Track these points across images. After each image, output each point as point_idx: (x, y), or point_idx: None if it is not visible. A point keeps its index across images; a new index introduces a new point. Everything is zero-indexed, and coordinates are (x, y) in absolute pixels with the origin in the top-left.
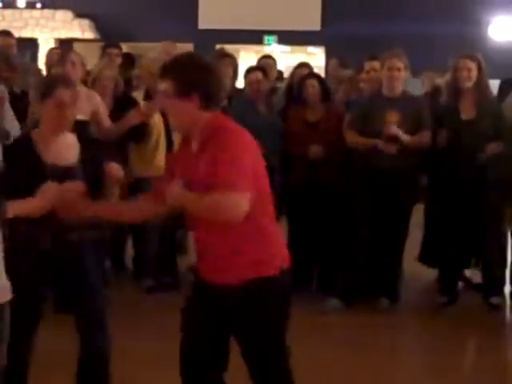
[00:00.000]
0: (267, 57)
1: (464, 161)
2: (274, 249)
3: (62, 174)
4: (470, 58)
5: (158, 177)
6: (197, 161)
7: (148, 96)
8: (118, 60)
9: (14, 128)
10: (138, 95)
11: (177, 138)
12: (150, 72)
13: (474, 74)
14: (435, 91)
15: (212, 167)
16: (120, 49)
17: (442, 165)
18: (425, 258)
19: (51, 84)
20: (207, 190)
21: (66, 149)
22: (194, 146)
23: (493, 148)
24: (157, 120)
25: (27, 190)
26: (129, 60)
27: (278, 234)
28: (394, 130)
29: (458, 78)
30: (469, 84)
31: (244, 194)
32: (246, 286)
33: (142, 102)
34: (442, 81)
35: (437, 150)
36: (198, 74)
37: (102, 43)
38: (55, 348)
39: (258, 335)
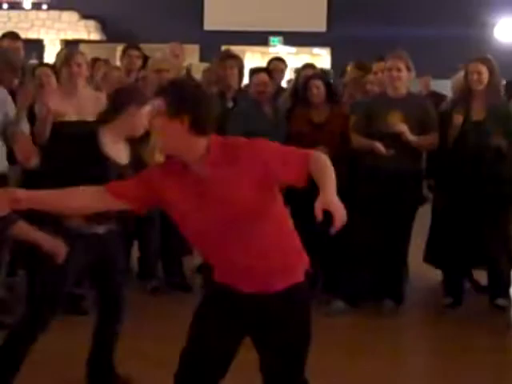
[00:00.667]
0: (277, 59)
1: (470, 161)
2: (301, 251)
3: (120, 172)
4: (481, 61)
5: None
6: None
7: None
8: (139, 62)
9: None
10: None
11: None
12: (157, 70)
13: (485, 76)
14: (431, 96)
15: (264, 168)
16: (140, 50)
17: (448, 164)
18: (430, 258)
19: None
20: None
21: (123, 151)
22: (204, 170)
23: (498, 141)
24: None
25: (89, 181)
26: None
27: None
28: (401, 127)
29: (469, 80)
30: (480, 87)
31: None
32: (284, 293)
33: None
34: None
35: (445, 150)
36: (192, 98)
37: (108, 44)
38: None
39: (293, 342)
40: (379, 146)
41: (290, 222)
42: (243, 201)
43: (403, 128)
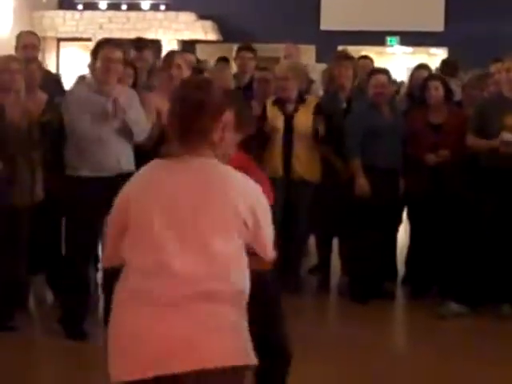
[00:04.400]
0: (364, 57)
1: None
2: None
3: None
4: None
5: None
6: None
7: (278, 101)
8: (252, 63)
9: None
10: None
11: (298, 142)
12: (282, 78)
13: None
14: None
15: None
16: (253, 51)
17: None
18: None
19: None
20: None
21: None
22: None
23: None
24: (279, 122)
25: None
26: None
27: None
28: (508, 137)
29: None
30: None
31: None
32: None
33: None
34: None
35: None
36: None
37: (225, 44)
38: None
39: None
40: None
41: None
42: None
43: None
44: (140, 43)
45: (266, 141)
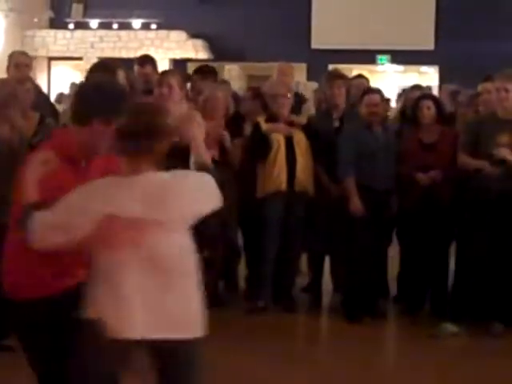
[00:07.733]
0: (359, 76)
1: None
2: None
3: None
4: None
5: None
6: None
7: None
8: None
9: None
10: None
11: (300, 156)
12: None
13: None
14: None
15: None
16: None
17: None
18: None
19: None
20: None
21: None
22: None
23: None
24: (281, 138)
25: None
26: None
27: None
28: (503, 152)
29: None
30: None
31: None
32: None
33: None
34: None
35: None
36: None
37: (216, 63)
38: None
39: None
40: (487, 166)
41: None
42: None
43: (505, 153)
44: (142, 59)
45: (266, 153)
